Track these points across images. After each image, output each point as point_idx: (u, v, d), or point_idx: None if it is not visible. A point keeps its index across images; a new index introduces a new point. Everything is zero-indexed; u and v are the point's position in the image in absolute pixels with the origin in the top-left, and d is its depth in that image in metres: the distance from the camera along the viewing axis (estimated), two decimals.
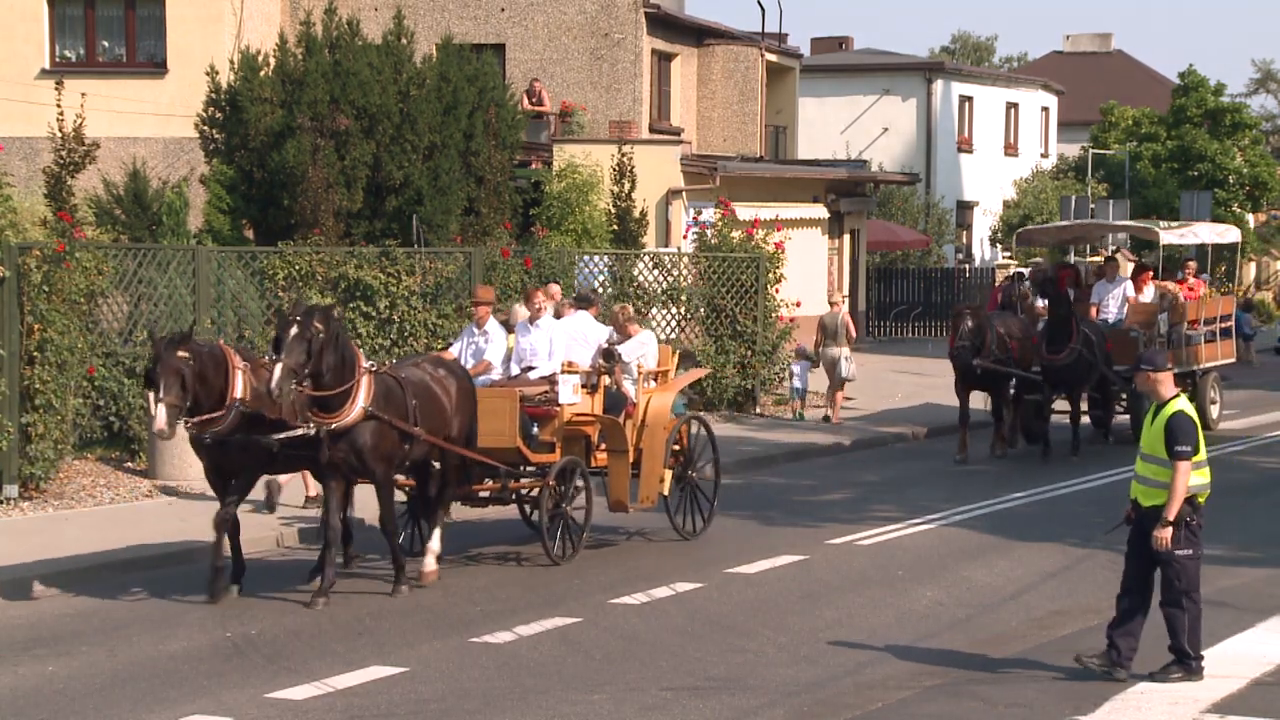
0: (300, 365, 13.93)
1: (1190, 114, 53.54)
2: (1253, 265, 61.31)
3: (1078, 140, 58.40)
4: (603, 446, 16.84)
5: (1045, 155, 58.79)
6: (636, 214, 29.78)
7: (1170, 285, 27.05)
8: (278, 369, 13.84)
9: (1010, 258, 48.29)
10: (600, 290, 26.71)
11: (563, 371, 16.38)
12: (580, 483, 16.42)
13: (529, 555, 16.64)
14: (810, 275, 34.96)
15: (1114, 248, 40.22)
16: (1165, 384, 11.88)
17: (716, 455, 18.13)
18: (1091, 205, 38.92)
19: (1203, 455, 11.82)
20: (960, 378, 24.02)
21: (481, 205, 26.42)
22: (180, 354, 14.01)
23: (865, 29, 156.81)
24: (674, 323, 28.15)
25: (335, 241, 24.21)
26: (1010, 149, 57.17)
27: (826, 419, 27.26)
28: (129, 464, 20.72)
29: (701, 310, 27.86)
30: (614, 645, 13.06)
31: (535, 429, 16.22)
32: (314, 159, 24.77)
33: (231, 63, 26.95)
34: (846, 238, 39.77)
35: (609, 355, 16.73)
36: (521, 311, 17.11)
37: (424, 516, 16.13)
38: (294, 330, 13.95)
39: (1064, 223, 34.88)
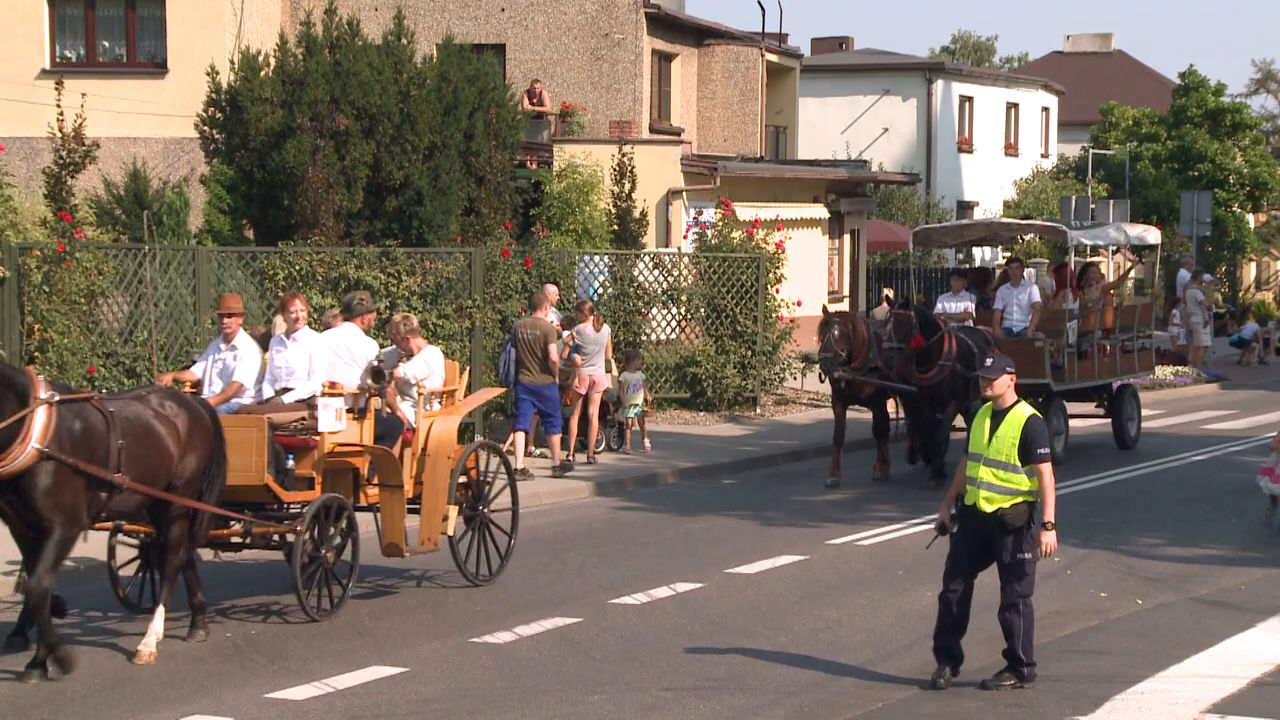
0: None
1: (1191, 114, 53.55)
2: (1253, 265, 61.31)
3: (1078, 140, 58.40)
4: (374, 481, 14.52)
5: (1045, 155, 58.79)
6: (637, 214, 29.80)
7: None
8: None
9: (1010, 258, 48.23)
10: (602, 290, 26.75)
11: (324, 394, 13.93)
12: (344, 524, 14.00)
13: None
14: (811, 275, 34.96)
15: (1114, 249, 40.26)
16: (1009, 391, 11.82)
17: (514, 488, 15.90)
18: (1092, 205, 38.90)
19: None
20: (832, 391, 22.39)
21: (482, 205, 26.42)
22: None
23: (865, 29, 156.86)
24: (674, 323, 28.17)
25: (335, 242, 24.22)
26: (1010, 149, 57.17)
27: None
28: None
29: (702, 310, 27.88)
30: (614, 645, 13.07)
31: (290, 462, 13.99)
32: (314, 159, 24.78)
33: (232, 63, 26.94)
34: (847, 238, 39.79)
35: (379, 374, 14.44)
36: (279, 323, 14.85)
37: (158, 569, 13.53)
38: None
39: (966, 221, 32.97)
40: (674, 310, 27.93)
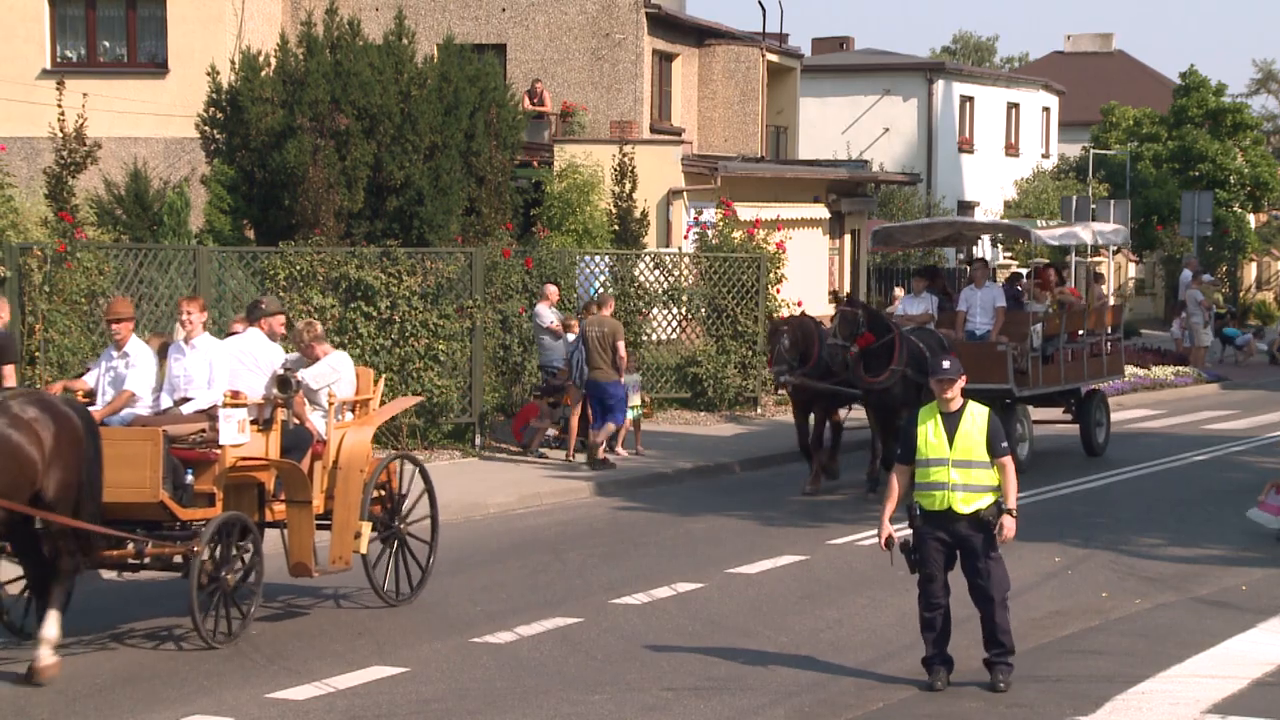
0: None
1: (1191, 114, 53.56)
2: (1253, 266, 61.33)
3: (1079, 140, 58.39)
4: (281, 496, 13.70)
5: (1046, 155, 58.78)
6: (637, 214, 29.80)
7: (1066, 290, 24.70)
8: None
9: (1011, 258, 48.27)
10: (603, 290, 26.74)
11: (226, 404, 13.05)
12: (247, 543, 13.16)
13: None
14: (811, 275, 34.97)
15: (1114, 249, 40.28)
16: (958, 393, 11.82)
17: (434, 501, 14.94)
18: (1092, 205, 38.89)
19: None
20: (791, 401, 21.96)
21: (482, 205, 26.42)
22: None
23: (866, 29, 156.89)
24: (675, 323, 28.18)
25: (336, 241, 24.21)
26: (1011, 149, 57.16)
27: None
28: None
29: (703, 310, 27.88)
30: (615, 645, 13.06)
31: (189, 477, 13.06)
32: (315, 159, 24.78)
33: (232, 63, 26.95)
34: (847, 238, 39.81)
35: (285, 383, 13.56)
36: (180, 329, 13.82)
37: (39, 592, 12.49)
38: None
39: (927, 220, 31.61)
40: (675, 310, 27.93)
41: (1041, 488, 21.36)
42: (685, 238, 30.83)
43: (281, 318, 14.78)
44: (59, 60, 33.25)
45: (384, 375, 22.56)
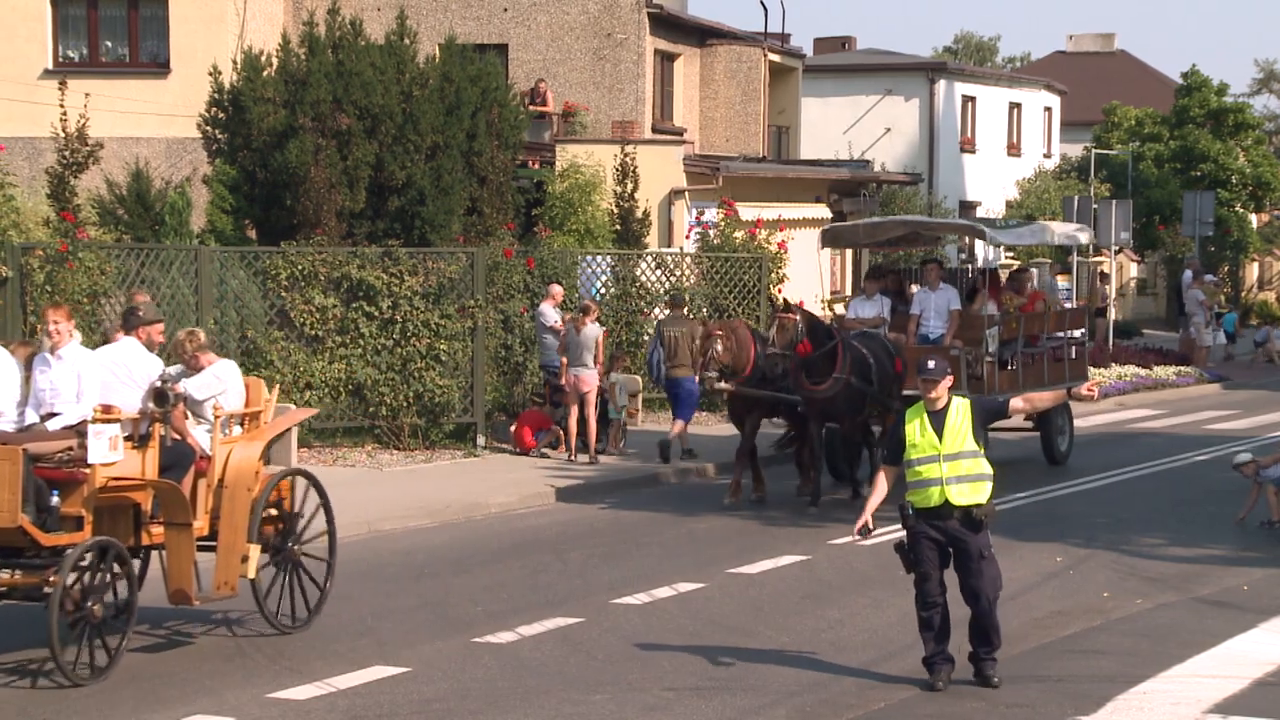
0: None
1: (1193, 114, 53.54)
2: (1255, 265, 61.33)
3: (1080, 140, 58.37)
4: (159, 518, 12.64)
5: (1048, 155, 58.77)
6: (639, 214, 29.80)
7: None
8: None
9: (1013, 258, 48.26)
10: (604, 290, 26.75)
11: (96, 420, 11.98)
12: (119, 569, 12.11)
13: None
14: (813, 275, 34.95)
15: (1116, 249, 40.28)
16: (946, 393, 11.88)
17: (330, 518, 13.90)
18: (1094, 205, 38.87)
19: None
20: (728, 409, 21.27)
21: (484, 205, 26.44)
22: None
23: (868, 29, 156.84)
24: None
25: (337, 241, 24.23)
26: (1013, 149, 57.13)
27: None
28: None
29: (704, 310, 27.87)
30: (616, 645, 13.06)
31: (55, 499, 11.98)
32: (316, 159, 24.79)
33: (234, 63, 26.96)
34: None
35: (162, 396, 12.44)
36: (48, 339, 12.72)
37: None
38: None
39: (879, 219, 29.46)
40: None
41: (1041, 488, 21.37)
42: (687, 238, 30.84)
43: (161, 326, 13.59)
44: (61, 60, 33.27)
45: (385, 374, 22.74)
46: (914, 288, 22.80)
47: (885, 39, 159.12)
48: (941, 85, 53.22)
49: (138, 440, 12.40)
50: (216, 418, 13.00)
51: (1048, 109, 60.08)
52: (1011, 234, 24.56)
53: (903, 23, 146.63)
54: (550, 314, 23.72)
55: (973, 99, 55.10)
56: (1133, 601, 14.76)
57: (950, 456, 11.66)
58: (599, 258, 27.52)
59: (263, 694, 11.57)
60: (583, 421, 22.93)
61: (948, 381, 11.86)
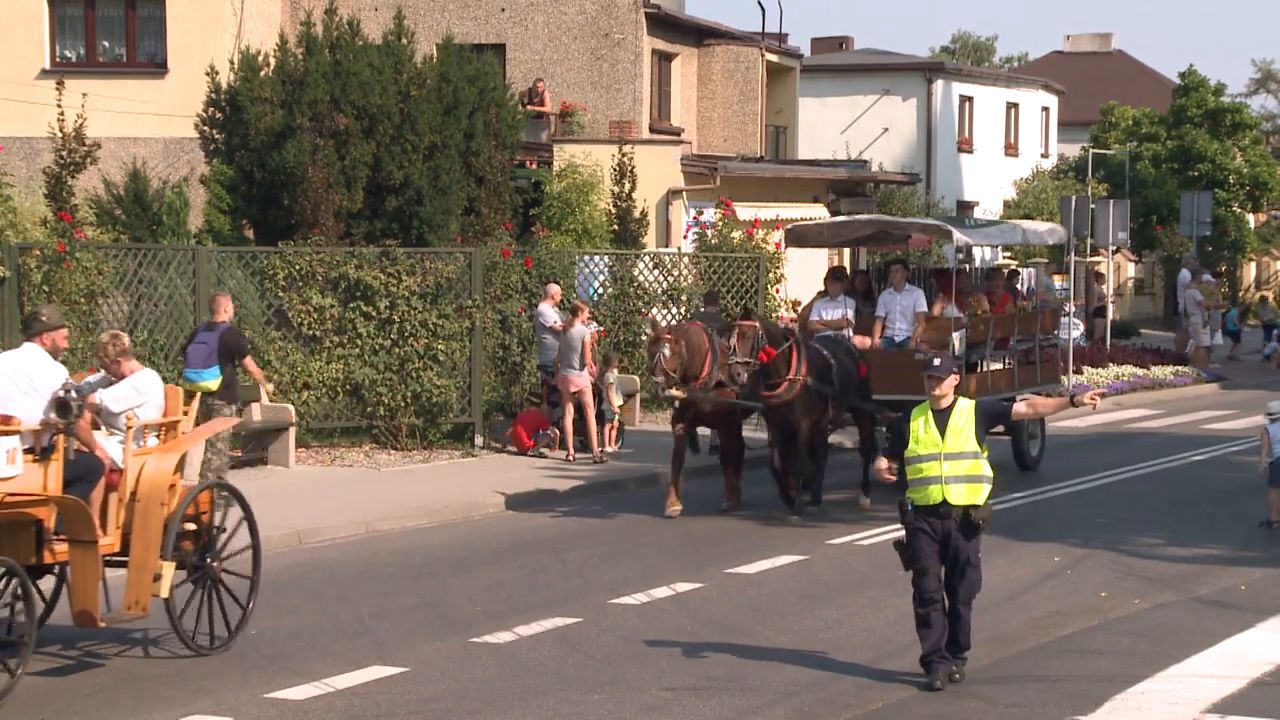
0: None
1: (1190, 114, 53.59)
2: (1253, 265, 61.37)
3: (1078, 140, 58.41)
4: (63, 535, 11.87)
5: (1045, 155, 58.79)
6: (637, 214, 29.81)
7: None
8: None
9: (1010, 258, 48.28)
10: (602, 290, 26.75)
11: None
12: (16, 590, 11.44)
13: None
14: (811, 275, 34.94)
15: (1114, 248, 40.27)
16: (951, 391, 11.97)
17: (254, 532, 13.16)
18: (1092, 205, 38.88)
19: None
20: (672, 410, 20.37)
21: (482, 205, 26.43)
22: None
23: (865, 29, 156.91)
24: (674, 323, 28.15)
25: (335, 241, 24.23)
26: (1010, 149, 57.16)
27: None
28: None
29: (702, 310, 27.85)
30: (614, 645, 13.07)
31: None
32: (314, 159, 24.78)
33: (232, 63, 26.95)
34: None
35: (65, 407, 11.71)
36: None
37: None
38: None
39: (843, 218, 28.54)
40: (674, 310, 27.90)
41: (1041, 487, 21.38)
42: (684, 238, 30.84)
43: (64, 331, 12.70)
44: (58, 60, 33.25)
45: (383, 374, 22.74)
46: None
47: (883, 39, 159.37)
48: (939, 85, 53.24)
49: (39, 453, 11.69)
50: (129, 428, 12.26)
51: (1045, 109, 60.11)
52: (980, 233, 23.67)
53: (900, 23, 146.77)
54: (549, 314, 23.72)
55: (970, 99, 55.12)
56: (1131, 601, 14.77)
57: (951, 456, 11.74)
58: (596, 258, 27.53)
59: (260, 694, 11.56)
60: (581, 422, 22.93)
61: (952, 380, 11.93)
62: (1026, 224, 28.38)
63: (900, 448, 11.96)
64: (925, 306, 21.34)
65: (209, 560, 12.80)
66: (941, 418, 11.82)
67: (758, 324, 18.75)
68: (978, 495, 11.81)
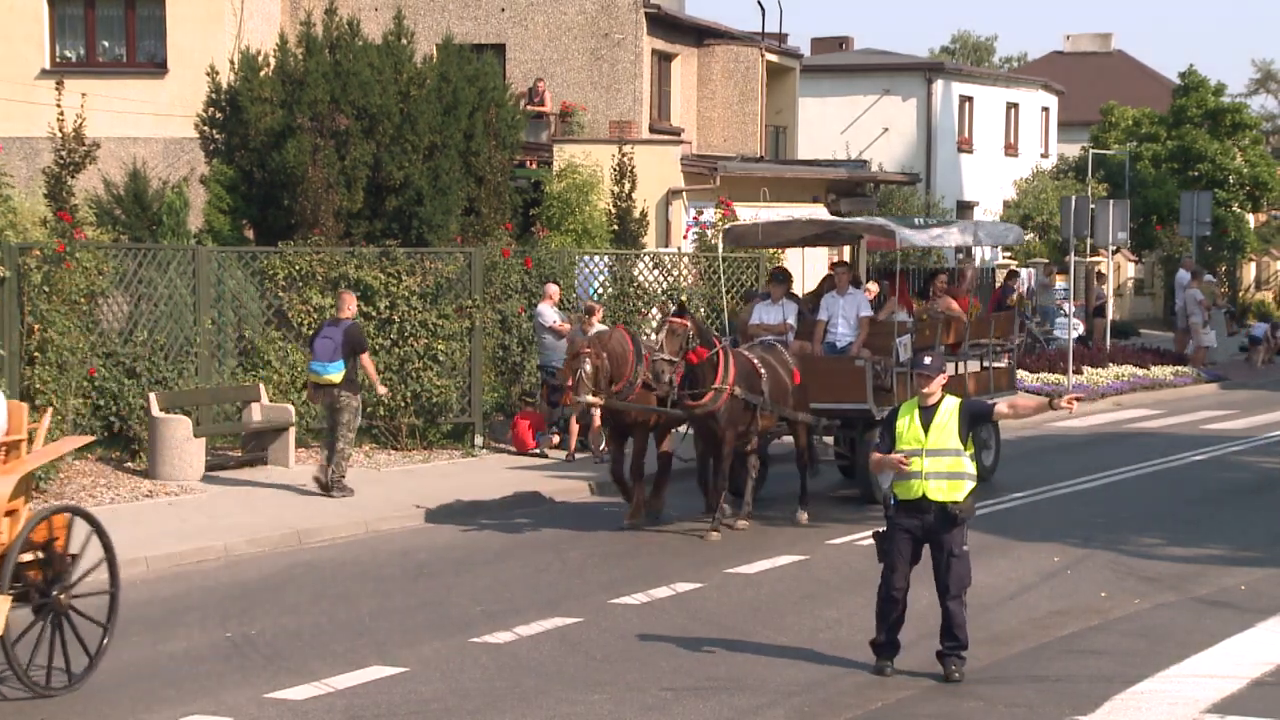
0: None
1: (1190, 114, 53.59)
2: (1252, 265, 61.37)
3: (1078, 140, 58.42)
4: None
5: (1045, 155, 58.81)
6: (637, 214, 29.81)
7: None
8: None
9: (1010, 258, 48.30)
10: (602, 290, 26.75)
11: None
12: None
13: None
14: (810, 275, 34.93)
15: (1114, 248, 40.27)
16: (938, 388, 12.23)
17: (113, 567, 12.01)
18: (1092, 205, 38.90)
19: None
20: (601, 424, 19.68)
21: (482, 205, 26.43)
22: None
23: (865, 29, 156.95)
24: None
25: (335, 241, 24.24)
26: (1010, 149, 57.18)
27: None
28: (129, 464, 20.74)
29: (702, 310, 27.86)
30: (614, 645, 13.07)
31: None
32: (314, 159, 24.79)
33: (231, 63, 26.96)
34: None
35: None
36: None
37: None
38: None
39: (784, 219, 27.15)
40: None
41: (1041, 487, 21.38)
42: (684, 237, 30.84)
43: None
44: (58, 60, 33.26)
45: (383, 374, 22.72)
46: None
47: (882, 39, 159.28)
48: (939, 85, 53.26)
49: None
50: None
51: (1045, 109, 60.13)
52: (926, 234, 22.49)
53: (900, 23, 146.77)
54: (548, 314, 23.72)
55: (970, 99, 55.14)
56: (1130, 601, 14.77)
57: (932, 452, 12.04)
58: (596, 258, 27.52)
59: (260, 694, 11.56)
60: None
61: (942, 379, 12.30)
62: (986, 223, 27.96)
63: (891, 444, 12.24)
64: (869, 311, 20.41)
65: (55, 592, 11.53)
66: (927, 414, 12.15)
67: (689, 322, 17.65)
68: (958, 491, 12.08)
